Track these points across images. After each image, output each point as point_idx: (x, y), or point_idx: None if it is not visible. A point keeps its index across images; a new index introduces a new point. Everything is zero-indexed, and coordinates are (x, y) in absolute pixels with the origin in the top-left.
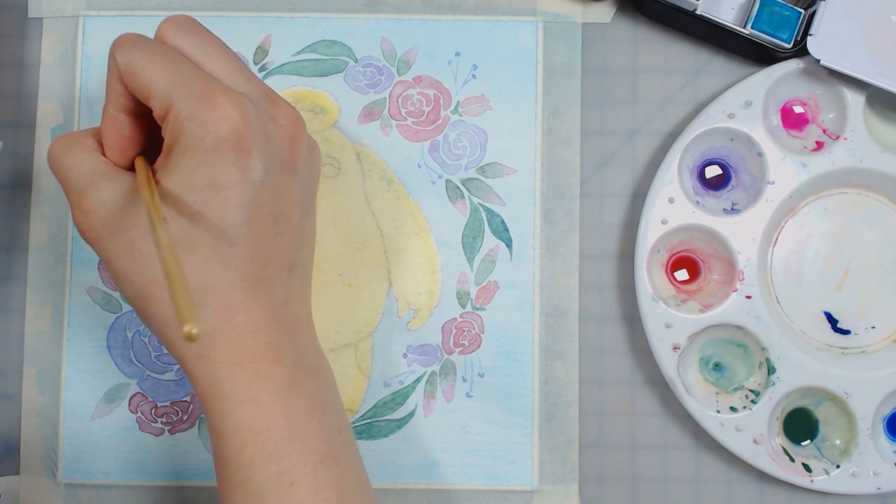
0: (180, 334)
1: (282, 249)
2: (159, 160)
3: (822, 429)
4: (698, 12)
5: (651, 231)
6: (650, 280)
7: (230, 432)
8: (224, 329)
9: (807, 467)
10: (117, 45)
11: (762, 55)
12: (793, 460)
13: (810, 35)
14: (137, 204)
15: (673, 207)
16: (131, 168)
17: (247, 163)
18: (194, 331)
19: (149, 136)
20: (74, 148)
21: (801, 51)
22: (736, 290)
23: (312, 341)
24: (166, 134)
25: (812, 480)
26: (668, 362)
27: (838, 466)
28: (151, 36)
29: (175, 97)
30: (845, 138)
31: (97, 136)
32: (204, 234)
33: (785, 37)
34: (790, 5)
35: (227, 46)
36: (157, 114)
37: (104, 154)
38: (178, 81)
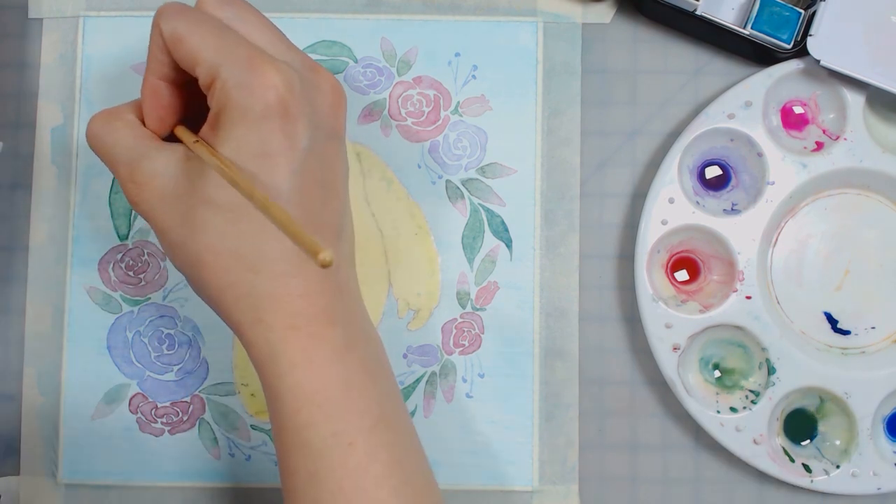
0: (315, 264)
1: (330, 215)
2: (205, 129)
3: (822, 429)
4: (698, 13)
5: (651, 231)
6: (650, 280)
7: (287, 394)
8: (279, 294)
9: (807, 467)
10: (162, 14)
11: (762, 55)
12: (793, 460)
13: (810, 35)
14: (189, 173)
15: (673, 208)
16: (170, 139)
17: (294, 130)
18: (328, 257)
19: (187, 108)
20: (115, 123)
21: (801, 51)
22: (736, 291)
23: (362, 308)
24: (212, 102)
25: (812, 481)
26: (668, 363)
27: (838, 467)
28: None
29: (221, 65)
30: (845, 139)
31: (135, 109)
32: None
33: (785, 37)
34: (790, 6)
35: (266, 17)
36: (202, 82)
37: (144, 126)
38: (224, 50)
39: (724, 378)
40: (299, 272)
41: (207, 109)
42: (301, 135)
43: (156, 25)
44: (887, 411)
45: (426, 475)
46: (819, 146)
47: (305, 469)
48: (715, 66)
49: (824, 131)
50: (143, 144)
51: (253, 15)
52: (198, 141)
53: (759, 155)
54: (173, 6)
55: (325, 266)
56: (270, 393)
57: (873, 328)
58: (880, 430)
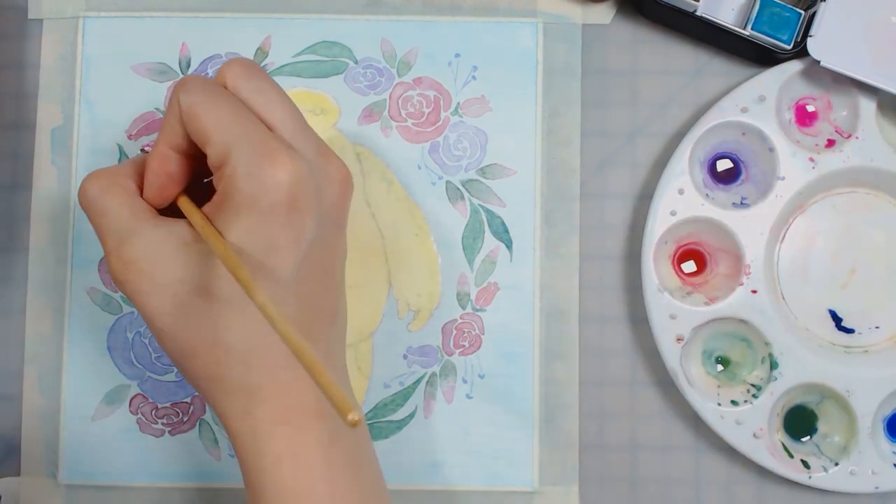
0: (344, 422)
1: (327, 303)
2: (208, 208)
3: (822, 426)
4: (698, 13)
5: (660, 222)
6: (656, 271)
7: (269, 492)
8: (270, 387)
9: (805, 464)
10: (182, 86)
11: (762, 56)
12: (792, 456)
13: (810, 36)
14: (186, 259)
15: (682, 199)
16: (167, 211)
17: (301, 223)
18: (357, 418)
19: (190, 182)
20: (113, 189)
21: (801, 52)
22: (742, 285)
23: (349, 391)
24: (219, 185)
25: (810, 477)
26: (671, 354)
27: (837, 464)
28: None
29: (233, 148)
30: (857, 137)
31: (135, 174)
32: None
33: (785, 38)
34: (790, 6)
35: (286, 94)
36: (212, 161)
37: (142, 195)
38: (238, 132)
39: (727, 371)
40: (290, 365)
41: (205, 183)
42: (307, 227)
43: (175, 95)
44: (888, 411)
45: None
46: (830, 143)
47: None
48: (715, 66)
49: (836, 129)
50: (138, 218)
51: (274, 92)
52: (205, 225)
53: (771, 150)
54: (195, 79)
55: (353, 426)
56: (252, 487)
57: (877, 328)
58: (880, 429)
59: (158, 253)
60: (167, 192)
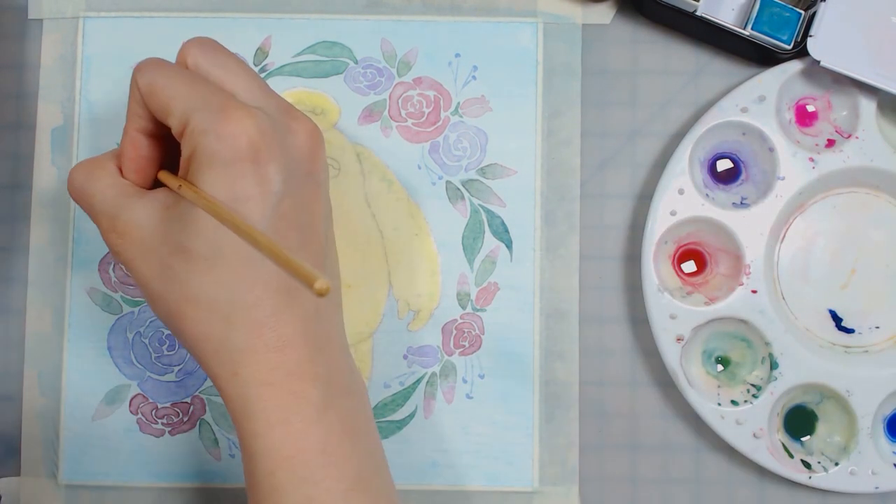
0: (312, 294)
1: (308, 258)
2: (179, 176)
3: (823, 426)
4: (698, 13)
5: (660, 222)
6: (656, 271)
7: (262, 455)
8: (254, 346)
9: (806, 464)
10: (139, 69)
11: (762, 56)
12: (791, 456)
13: (810, 36)
14: (167, 222)
15: (682, 199)
16: (150, 188)
17: (265, 175)
18: (324, 286)
19: (166, 159)
20: (96, 173)
21: (801, 52)
22: (742, 285)
23: (345, 357)
24: (184, 149)
25: (810, 477)
26: (671, 354)
27: (837, 464)
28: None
29: (192, 113)
30: (857, 137)
31: (115, 159)
32: (229, 248)
33: (785, 38)
34: (790, 6)
35: (246, 64)
36: (175, 130)
37: (124, 177)
38: (195, 98)
39: (727, 371)
40: (274, 323)
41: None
42: (273, 179)
43: (133, 79)
44: (888, 411)
45: None
46: (830, 144)
47: None
48: (715, 66)
49: (836, 129)
50: (123, 194)
51: (231, 60)
52: (181, 185)
53: (771, 150)
54: (150, 61)
55: (321, 295)
56: (245, 450)
57: (877, 328)
58: (880, 429)
59: (144, 221)
60: (146, 174)
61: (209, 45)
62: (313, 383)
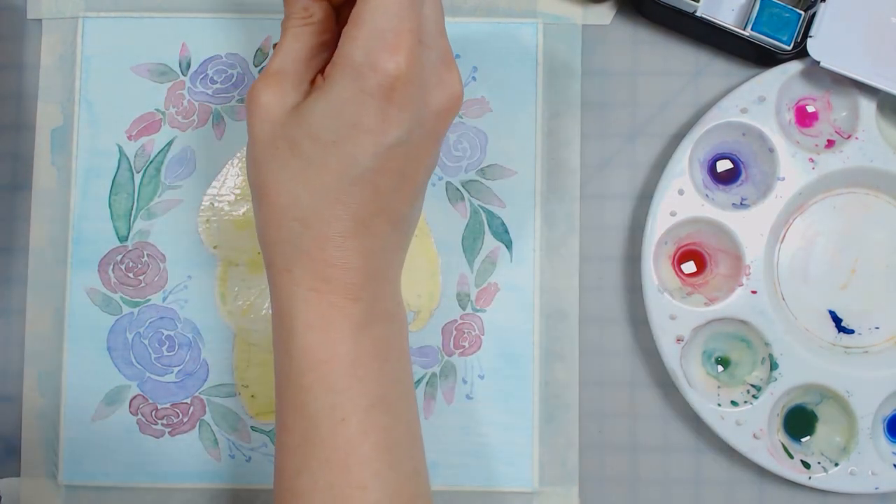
0: None
1: (395, 204)
2: (326, 69)
3: (822, 427)
4: (698, 14)
5: (660, 222)
6: (656, 271)
7: (296, 354)
8: (316, 255)
9: (805, 464)
10: None
11: (762, 57)
12: (791, 457)
13: (810, 37)
14: (291, 112)
15: (682, 200)
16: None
17: (394, 118)
18: None
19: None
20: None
21: (801, 52)
22: (742, 285)
23: (394, 289)
24: (343, 40)
25: (810, 478)
26: (671, 354)
27: (837, 465)
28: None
29: (370, 16)
30: (857, 138)
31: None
32: (332, 161)
33: (785, 38)
34: (790, 7)
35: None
36: (346, 26)
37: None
38: (386, 5)
39: (727, 371)
40: (339, 244)
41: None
42: (399, 125)
43: None
44: (888, 412)
45: (416, 462)
46: (830, 144)
47: (300, 430)
48: (715, 67)
49: (836, 130)
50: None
51: None
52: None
53: (771, 150)
54: None
55: None
56: (280, 347)
57: (877, 328)
58: (880, 430)
59: (279, 105)
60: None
61: None
62: (355, 303)
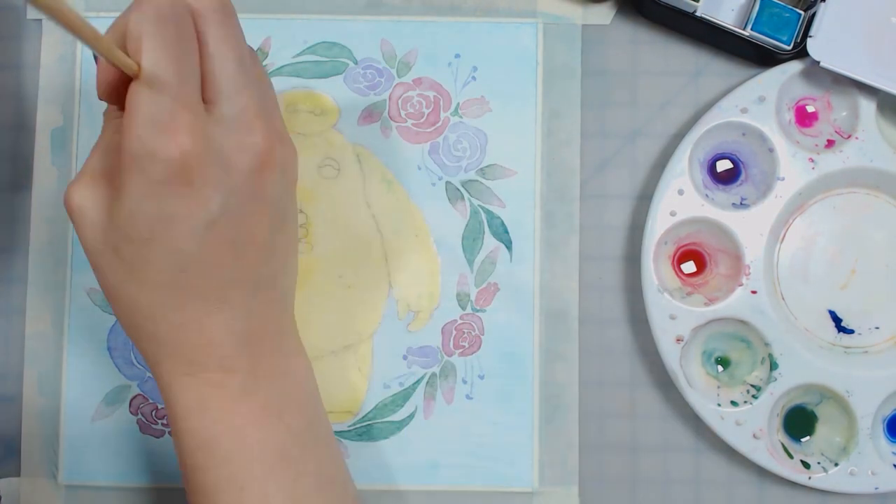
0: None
1: (243, 270)
2: (111, 141)
3: (822, 427)
4: (698, 14)
5: (659, 222)
6: (656, 271)
7: (183, 436)
8: (177, 343)
9: (805, 464)
10: (139, 5)
11: (762, 57)
12: (791, 457)
13: (810, 37)
14: (110, 217)
15: (682, 199)
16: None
17: (199, 197)
18: (135, 67)
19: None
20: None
21: (801, 52)
22: (742, 285)
23: (283, 341)
24: (122, 125)
25: (810, 478)
26: (670, 354)
27: (836, 465)
28: None
29: (146, 91)
30: (857, 138)
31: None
32: (155, 257)
33: (785, 38)
34: (790, 7)
35: (246, 50)
36: (130, 88)
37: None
38: (167, 73)
39: (726, 371)
40: (198, 326)
41: None
42: (204, 202)
43: (129, 13)
44: (888, 412)
45: None
46: (830, 144)
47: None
48: (715, 67)
49: (836, 130)
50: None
51: (231, 43)
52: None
53: (771, 150)
54: (154, 4)
55: (136, 76)
56: (172, 431)
57: (877, 328)
58: (880, 430)
59: (94, 207)
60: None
61: (228, 15)
62: (232, 375)
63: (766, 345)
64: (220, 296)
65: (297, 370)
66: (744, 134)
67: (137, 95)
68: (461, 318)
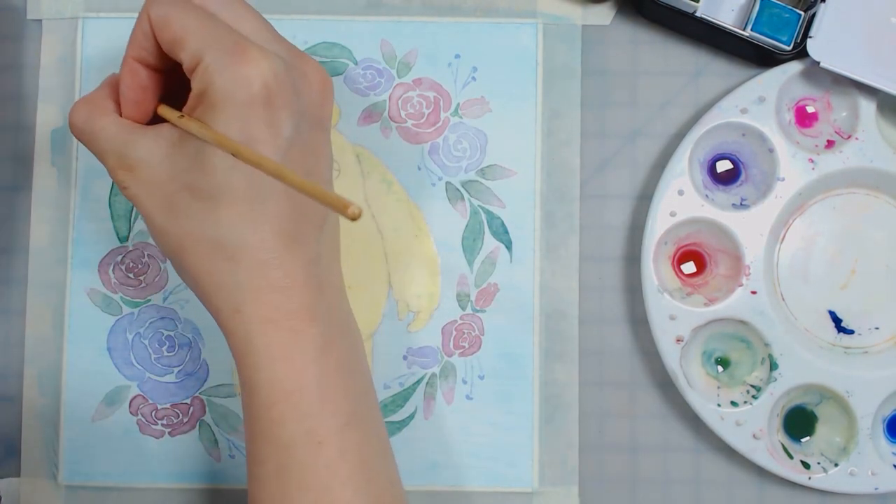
0: (345, 217)
1: (313, 206)
2: (185, 111)
3: (822, 427)
4: (698, 14)
5: (659, 222)
6: (656, 272)
7: (263, 388)
8: (259, 285)
9: (805, 465)
10: (151, 1)
11: (762, 57)
12: (791, 457)
13: (810, 37)
14: (173, 158)
15: (682, 200)
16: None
17: (277, 119)
18: (357, 210)
19: (164, 94)
20: (95, 112)
21: (801, 53)
22: (741, 285)
23: (343, 299)
24: (195, 86)
25: (810, 478)
26: (670, 355)
27: (836, 465)
28: None
29: (206, 50)
30: (857, 138)
31: (113, 95)
32: (236, 188)
33: (785, 39)
34: (790, 7)
35: (253, 8)
36: (186, 65)
37: (121, 114)
38: (210, 35)
39: (726, 372)
40: (279, 264)
41: (185, 98)
42: (285, 124)
43: (144, 10)
44: (888, 412)
45: (390, 472)
46: (830, 144)
47: (274, 461)
48: (715, 67)
49: (836, 130)
50: (127, 131)
51: (240, 5)
52: (182, 117)
53: (770, 150)
54: None
55: (354, 219)
56: (246, 384)
57: (877, 328)
58: (880, 430)
59: (151, 158)
60: (144, 107)
61: None
62: (314, 323)
63: (766, 345)
64: (296, 231)
65: (356, 328)
66: (744, 134)
67: (206, 56)
68: (461, 318)
